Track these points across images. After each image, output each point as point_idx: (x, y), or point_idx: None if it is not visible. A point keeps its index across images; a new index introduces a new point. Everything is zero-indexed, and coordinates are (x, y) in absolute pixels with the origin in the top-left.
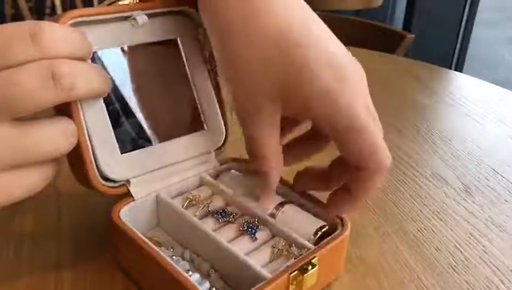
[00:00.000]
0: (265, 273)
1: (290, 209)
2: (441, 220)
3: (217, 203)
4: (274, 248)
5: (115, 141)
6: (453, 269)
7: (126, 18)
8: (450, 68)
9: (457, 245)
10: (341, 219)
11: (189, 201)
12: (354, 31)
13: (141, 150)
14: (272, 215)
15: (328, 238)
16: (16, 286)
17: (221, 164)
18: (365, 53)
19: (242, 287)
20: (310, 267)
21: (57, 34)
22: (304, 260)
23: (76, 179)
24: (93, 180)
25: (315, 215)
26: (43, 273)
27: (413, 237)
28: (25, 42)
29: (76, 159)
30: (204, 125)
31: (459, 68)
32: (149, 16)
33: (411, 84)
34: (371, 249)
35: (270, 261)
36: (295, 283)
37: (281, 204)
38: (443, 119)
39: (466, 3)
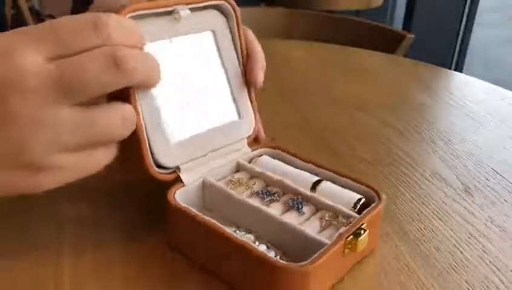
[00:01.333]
0: (324, 239)
1: (326, 186)
2: (441, 220)
3: (259, 185)
4: (322, 219)
5: (166, 129)
6: (453, 269)
7: (169, 12)
8: (450, 68)
9: (457, 245)
10: (376, 192)
11: (233, 184)
12: (355, 31)
13: (187, 137)
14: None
15: (369, 208)
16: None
17: (252, 151)
18: (365, 53)
19: (302, 256)
20: (362, 231)
21: (118, 25)
22: (355, 226)
23: (124, 166)
24: (149, 167)
25: (350, 189)
26: (43, 267)
27: (413, 237)
28: (89, 31)
29: (131, 146)
30: (238, 114)
31: (459, 68)
32: (190, 10)
33: (411, 84)
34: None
35: (320, 231)
36: (349, 246)
37: (317, 182)
38: (443, 119)
39: (466, 3)
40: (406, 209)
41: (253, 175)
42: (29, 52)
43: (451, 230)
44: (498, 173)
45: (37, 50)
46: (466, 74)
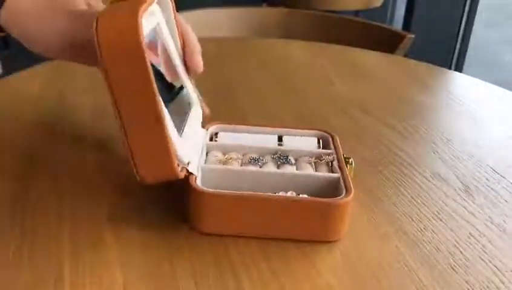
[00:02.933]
0: (334, 175)
1: (288, 139)
2: (441, 220)
3: (238, 156)
4: (310, 163)
5: (173, 124)
6: (453, 269)
7: None
8: (450, 68)
9: (457, 245)
10: (325, 131)
11: (223, 163)
12: (354, 31)
13: (184, 131)
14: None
15: (334, 142)
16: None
17: (206, 130)
18: (365, 53)
19: (321, 194)
20: (349, 160)
21: None
22: (340, 157)
23: (143, 176)
24: (175, 168)
25: (303, 136)
26: (43, 269)
27: (413, 237)
28: None
29: (154, 152)
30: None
31: (459, 68)
32: None
33: (411, 84)
34: (371, 249)
35: (316, 172)
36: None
37: (279, 138)
38: (443, 119)
39: (466, 3)
40: (406, 210)
41: (227, 150)
42: None
43: (451, 230)
44: (498, 173)
45: None
46: (466, 74)
